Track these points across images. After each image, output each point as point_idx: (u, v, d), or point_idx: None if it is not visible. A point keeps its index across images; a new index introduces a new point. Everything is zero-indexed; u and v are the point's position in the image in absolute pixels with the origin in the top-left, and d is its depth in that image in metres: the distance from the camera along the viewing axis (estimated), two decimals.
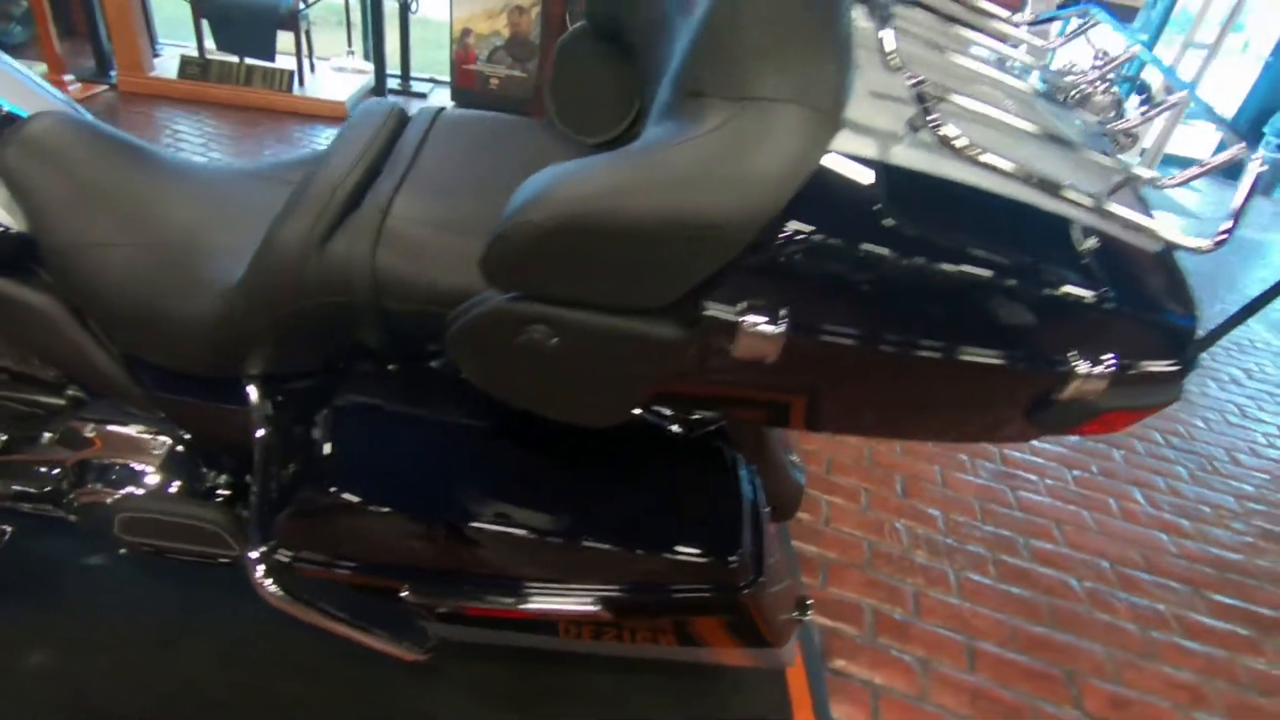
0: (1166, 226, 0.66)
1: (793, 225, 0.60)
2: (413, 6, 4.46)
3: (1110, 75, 0.96)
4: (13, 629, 1.28)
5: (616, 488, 0.89)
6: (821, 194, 0.62)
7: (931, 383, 0.70)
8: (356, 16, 4.60)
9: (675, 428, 0.98)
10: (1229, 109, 6.53)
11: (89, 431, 1.07)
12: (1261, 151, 0.65)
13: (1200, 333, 0.73)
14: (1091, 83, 0.94)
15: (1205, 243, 0.65)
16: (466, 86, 4.46)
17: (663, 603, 0.89)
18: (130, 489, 1.07)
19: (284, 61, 3.88)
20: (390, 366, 0.92)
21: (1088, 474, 2.24)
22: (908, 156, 0.65)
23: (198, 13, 3.72)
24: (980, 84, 0.84)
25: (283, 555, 0.86)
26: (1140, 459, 2.36)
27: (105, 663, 1.25)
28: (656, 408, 0.96)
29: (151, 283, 0.90)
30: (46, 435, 1.08)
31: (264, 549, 0.86)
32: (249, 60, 3.82)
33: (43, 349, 1.00)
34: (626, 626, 1.01)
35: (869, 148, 0.65)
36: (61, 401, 1.09)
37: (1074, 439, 2.39)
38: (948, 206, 0.66)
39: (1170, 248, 0.69)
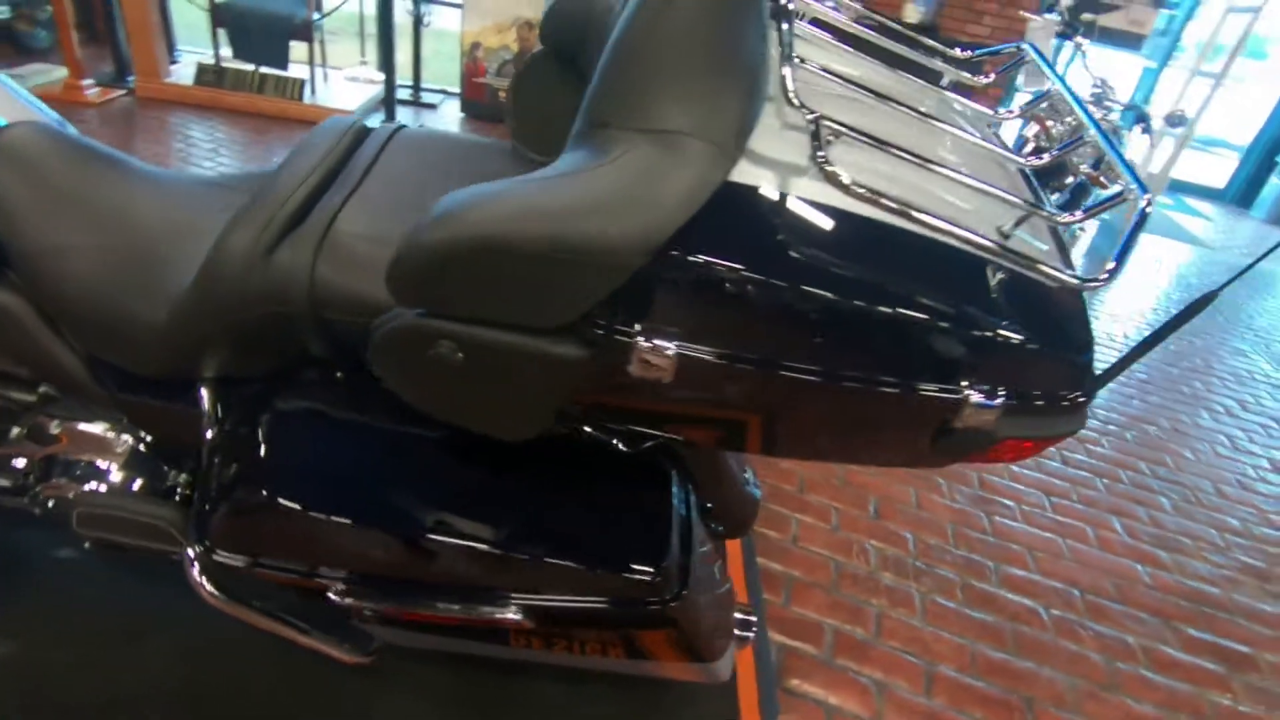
0: (1051, 263, 0.68)
1: (684, 252, 0.63)
2: (425, 19, 4.56)
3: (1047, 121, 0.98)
4: None
5: (546, 499, 0.92)
6: (715, 223, 0.64)
7: (827, 407, 0.72)
8: (372, 28, 4.70)
9: (616, 443, 1.01)
10: (1245, 138, 6.47)
11: (55, 428, 1.11)
12: (1149, 195, 0.67)
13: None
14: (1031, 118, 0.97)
15: (1095, 280, 0.67)
16: (475, 98, 4.54)
17: (587, 612, 0.91)
18: (91, 485, 1.10)
19: (298, 71, 3.98)
20: (338, 374, 0.96)
21: (1067, 502, 2.23)
22: (807, 189, 0.67)
23: (215, 21, 3.83)
24: (898, 120, 0.86)
25: (219, 555, 0.89)
26: (1123, 488, 2.35)
27: (68, 656, 1.29)
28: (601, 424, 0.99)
29: (112, 286, 0.95)
30: (15, 430, 1.12)
31: (200, 548, 0.89)
32: (263, 69, 3.91)
33: (12, 348, 1.05)
34: (575, 638, 1.03)
35: (769, 180, 0.68)
36: (33, 398, 1.14)
37: (1054, 465, 2.39)
38: (840, 237, 0.69)
39: (1061, 284, 0.71)
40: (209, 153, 3.39)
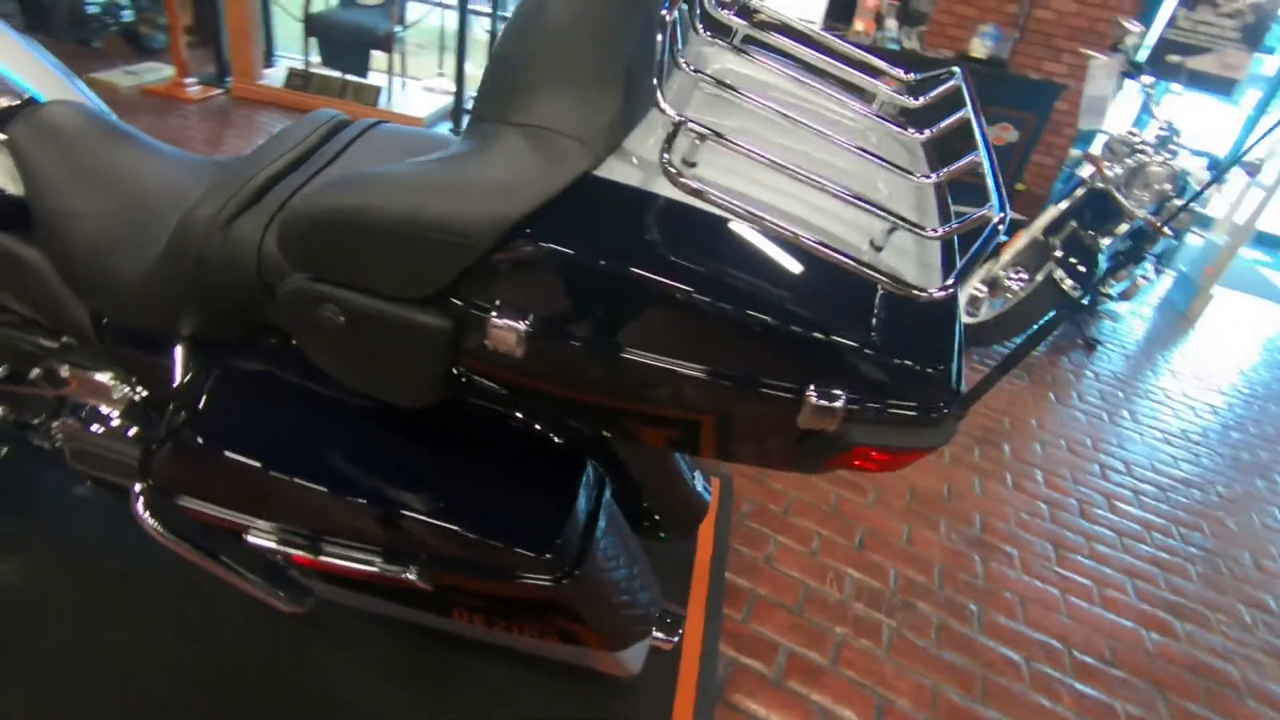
0: (896, 274, 0.69)
1: (537, 238, 0.68)
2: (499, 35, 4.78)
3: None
4: None
5: (460, 471, 0.97)
6: (573, 213, 0.69)
7: (672, 397, 0.75)
8: (452, 44, 4.98)
9: (551, 435, 1.06)
10: None
11: (66, 373, 1.26)
12: (1004, 214, 0.67)
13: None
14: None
15: (932, 291, 0.68)
16: None
17: (481, 582, 0.95)
18: (92, 426, 1.24)
19: (379, 79, 4.26)
20: (293, 341, 1.05)
21: (1078, 557, 2.12)
22: (670, 188, 0.71)
23: (308, 31, 4.16)
24: (792, 133, 0.89)
25: (159, 492, 0.99)
26: (1145, 550, 2.21)
27: (65, 587, 1.42)
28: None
29: (110, 249, 1.07)
30: (35, 371, 1.28)
31: (143, 484, 0.99)
32: (347, 76, 4.21)
33: (34, 298, 1.19)
34: (479, 609, 1.08)
35: (636, 177, 0.72)
36: (55, 345, 1.29)
37: (1071, 517, 2.27)
38: (694, 236, 0.72)
39: (917, 295, 0.71)
40: None
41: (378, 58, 4.24)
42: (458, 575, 0.95)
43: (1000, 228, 0.68)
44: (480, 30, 4.69)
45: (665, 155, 0.67)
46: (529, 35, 0.74)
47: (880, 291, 0.73)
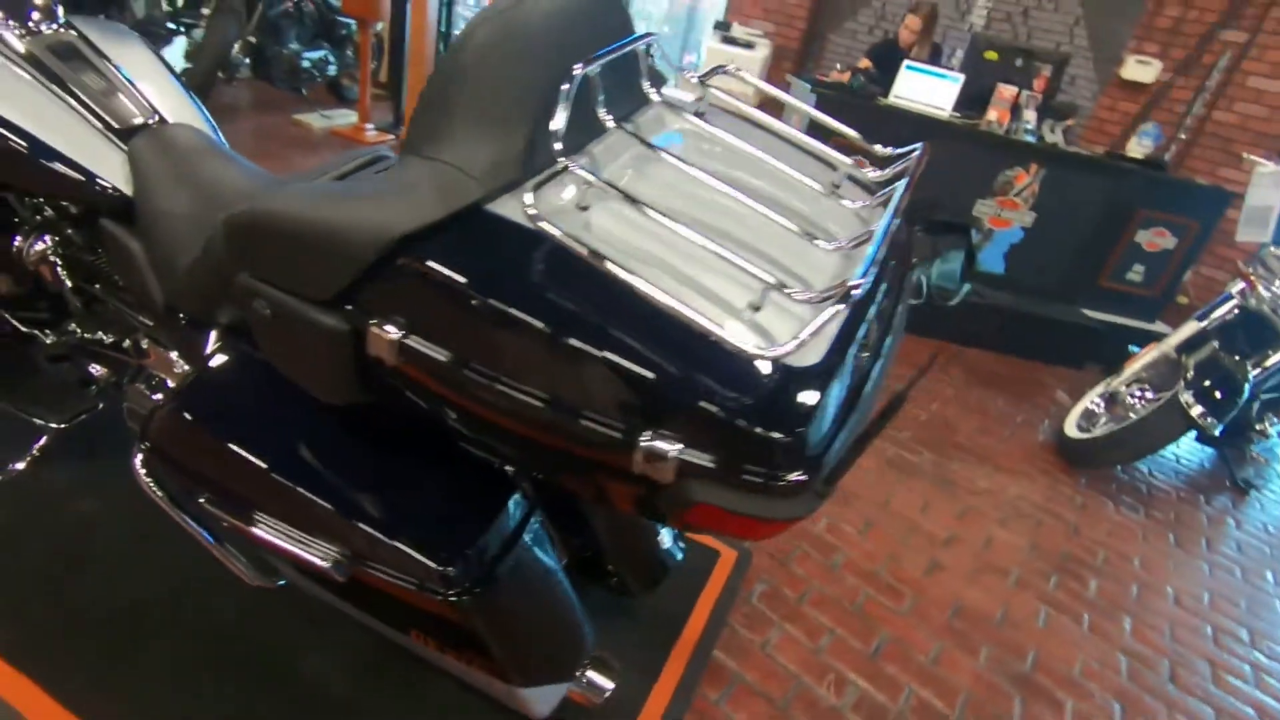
0: (734, 336, 0.68)
1: (415, 258, 0.75)
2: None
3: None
4: (80, 475, 1.74)
5: (395, 472, 1.03)
6: (452, 240, 0.75)
7: (524, 422, 0.76)
8: None
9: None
10: None
11: (147, 346, 1.49)
12: (860, 280, 0.64)
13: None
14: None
15: (764, 352, 0.66)
16: None
17: (390, 584, 0.99)
18: (154, 395, 1.45)
19: None
20: None
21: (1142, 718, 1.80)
22: (551, 228, 0.75)
23: None
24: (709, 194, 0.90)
25: (148, 451, 1.13)
26: None
27: (138, 532, 1.63)
28: None
29: (181, 245, 1.28)
30: (127, 341, 1.52)
31: (143, 443, 1.14)
32: None
33: (134, 279, 1.44)
34: (424, 633, 1.11)
35: (522, 214, 0.76)
36: (151, 322, 1.53)
37: (1157, 678, 1.93)
38: (563, 274, 0.74)
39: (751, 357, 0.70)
40: None
41: None
42: (371, 574, 1.00)
43: (854, 293, 0.65)
44: None
45: (531, 195, 0.72)
46: (448, 77, 0.83)
47: (740, 351, 0.71)
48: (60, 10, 1.46)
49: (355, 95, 5.15)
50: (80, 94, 1.38)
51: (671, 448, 0.70)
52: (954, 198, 3.68)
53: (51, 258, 1.48)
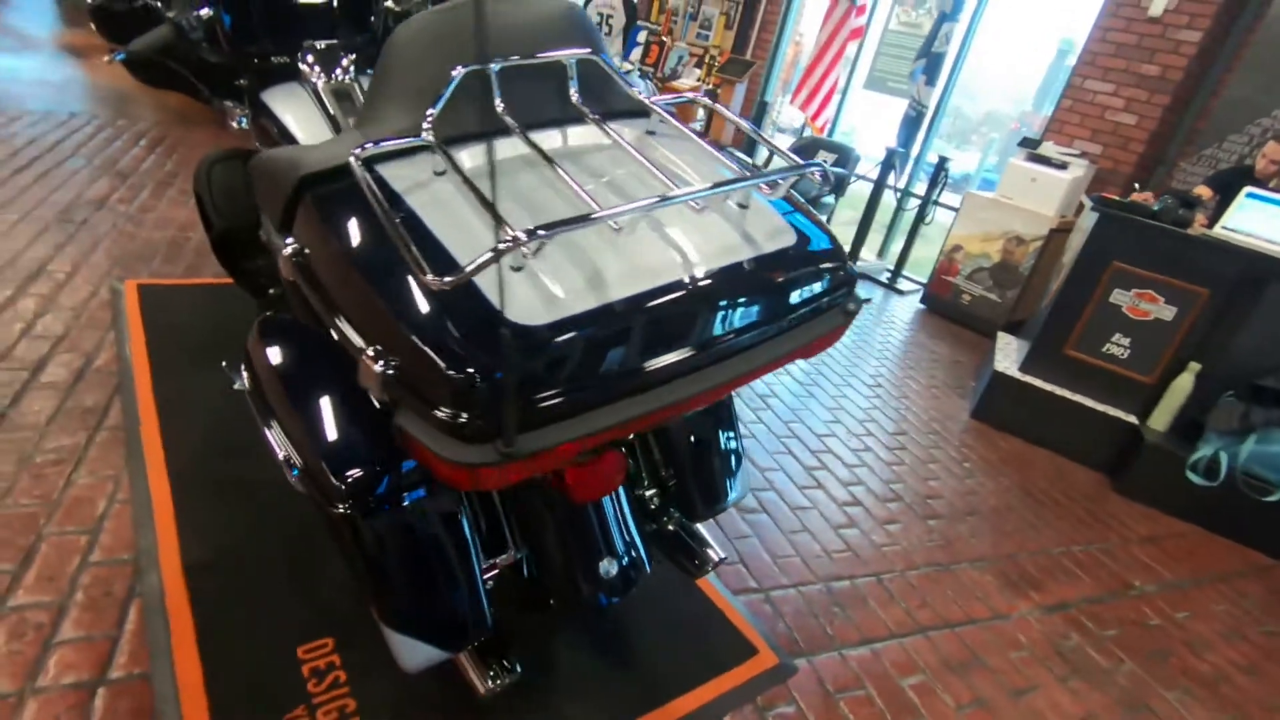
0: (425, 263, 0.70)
1: (305, 193, 0.92)
2: (929, 218, 4.88)
3: None
4: None
5: (351, 413, 1.17)
6: (333, 185, 0.91)
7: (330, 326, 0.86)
8: (881, 217, 5.27)
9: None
10: None
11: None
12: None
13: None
14: None
15: (433, 280, 0.67)
16: (938, 293, 4.60)
17: (315, 495, 1.13)
18: None
19: None
20: None
21: None
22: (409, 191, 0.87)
23: None
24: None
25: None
26: None
27: None
28: None
29: None
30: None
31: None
32: None
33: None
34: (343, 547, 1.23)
35: (400, 176, 0.89)
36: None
37: None
38: (357, 215, 0.84)
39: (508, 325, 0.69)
40: None
41: None
42: (308, 485, 1.16)
43: (521, 245, 0.65)
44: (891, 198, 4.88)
45: (356, 152, 0.86)
46: (380, 67, 1.01)
47: (471, 295, 0.74)
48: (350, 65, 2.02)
49: None
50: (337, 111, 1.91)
51: (379, 361, 0.74)
52: None
53: None
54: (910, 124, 4.77)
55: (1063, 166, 4.21)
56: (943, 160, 4.74)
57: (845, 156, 4.94)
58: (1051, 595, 2.19)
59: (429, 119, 0.91)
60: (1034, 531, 2.51)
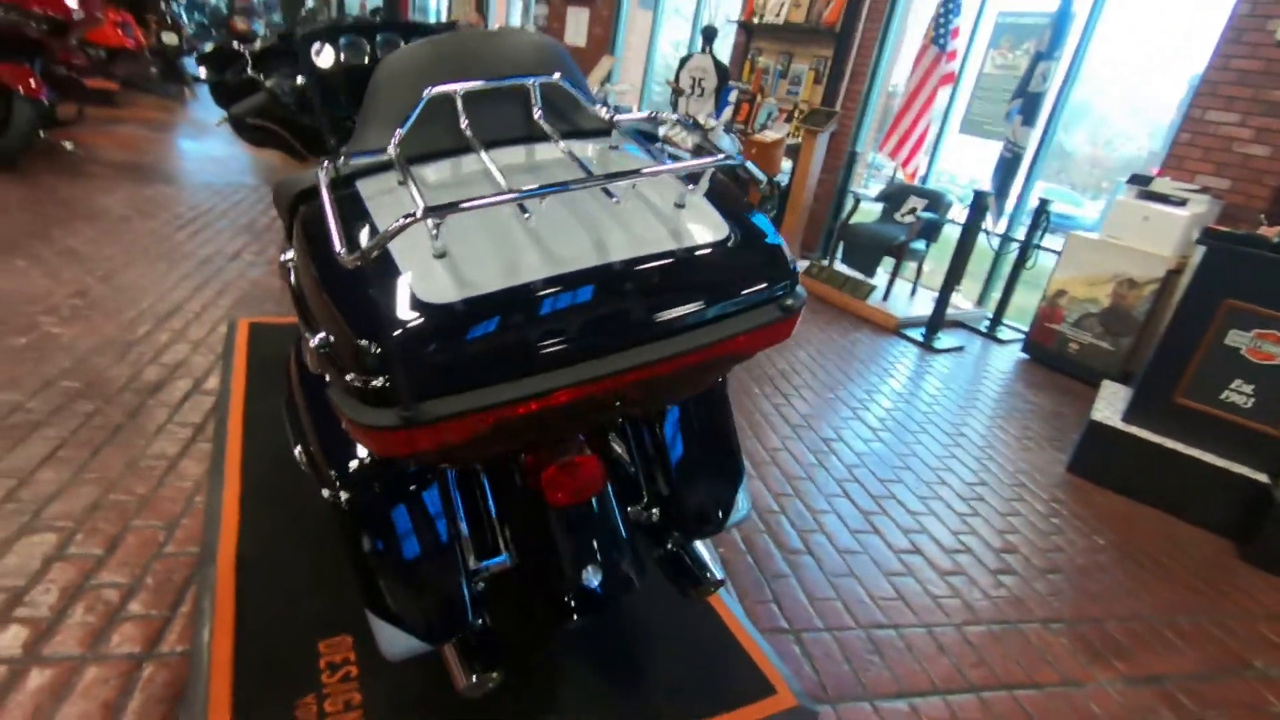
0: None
1: (300, 209, 1.05)
2: (1030, 261, 4.60)
3: None
4: None
5: None
6: (309, 200, 1.05)
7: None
8: (978, 265, 5.02)
9: None
10: None
11: None
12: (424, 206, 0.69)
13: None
14: None
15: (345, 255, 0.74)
16: (1041, 342, 4.30)
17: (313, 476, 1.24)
18: None
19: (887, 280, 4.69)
20: None
21: None
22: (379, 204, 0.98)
23: (837, 235, 4.96)
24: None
25: None
26: None
27: None
28: None
29: None
30: None
31: None
32: (849, 270, 4.80)
33: None
34: None
35: (371, 188, 1.00)
36: None
37: None
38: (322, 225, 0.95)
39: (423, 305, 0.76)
40: None
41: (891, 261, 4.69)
42: (309, 462, 1.27)
43: (429, 215, 0.72)
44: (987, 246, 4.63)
45: (327, 164, 0.97)
46: (368, 93, 1.14)
47: (388, 274, 0.82)
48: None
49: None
50: None
51: (316, 338, 0.83)
52: None
53: None
54: (1006, 166, 4.57)
55: (1181, 203, 3.87)
56: (1044, 202, 4.49)
57: (937, 201, 4.79)
58: (1141, 666, 1.93)
59: (397, 137, 1.02)
60: (1129, 596, 2.23)
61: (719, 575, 1.41)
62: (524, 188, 0.86)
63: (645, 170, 0.94)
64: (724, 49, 6.62)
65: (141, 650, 1.44)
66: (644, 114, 1.23)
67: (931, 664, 1.80)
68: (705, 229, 1.01)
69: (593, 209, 0.99)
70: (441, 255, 0.88)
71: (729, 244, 1.00)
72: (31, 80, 4.13)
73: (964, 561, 2.25)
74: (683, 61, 6.44)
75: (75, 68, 4.78)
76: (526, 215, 0.94)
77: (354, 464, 1.16)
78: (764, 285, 1.02)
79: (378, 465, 1.17)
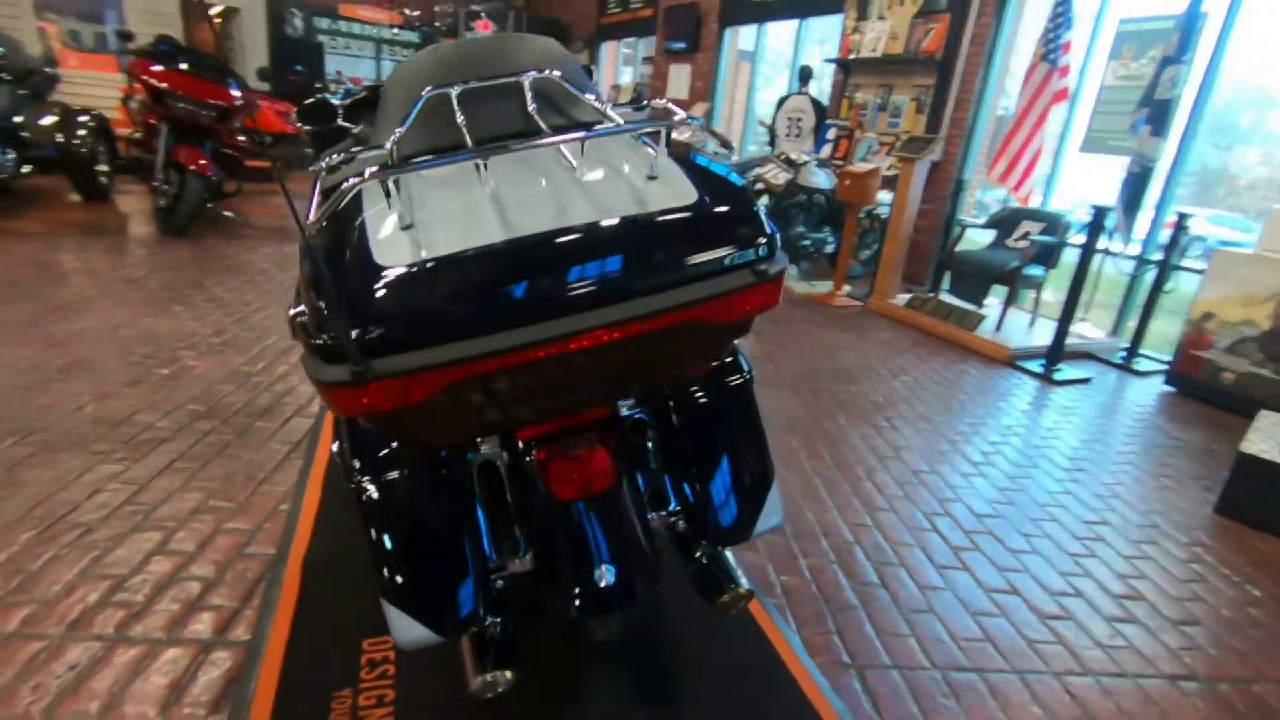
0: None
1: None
2: (1169, 285, 4.14)
3: None
4: None
5: None
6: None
7: None
8: (1108, 288, 4.56)
9: None
10: None
11: None
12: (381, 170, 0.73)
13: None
14: None
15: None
16: (1186, 373, 3.81)
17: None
18: None
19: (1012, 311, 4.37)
20: None
21: None
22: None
23: (944, 264, 4.69)
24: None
25: None
26: None
27: None
28: None
29: None
30: None
31: None
32: (955, 301, 4.51)
33: None
34: None
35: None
36: None
37: None
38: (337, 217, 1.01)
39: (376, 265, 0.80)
40: (884, 346, 4.24)
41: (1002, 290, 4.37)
42: (341, 460, 1.33)
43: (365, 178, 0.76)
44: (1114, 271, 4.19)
45: (324, 160, 1.03)
46: (382, 95, 1.21)
47: (350, 241, 0.88)
48: None
49: (855, 272, 5.74)
50: None
51: (296, 306, 0.89)
52: None
53: None
54: (1135, 182, 4.16)
55: None
56: (1182, 217, 4.04)
57: (1054, 224, 4.43)
58: None
59: (396, 135, 1.10)
60: None
61: (747, 586, 1.33)
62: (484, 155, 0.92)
63: (598, 129, 0.95)
64: (823, 89, 6.60)
65: (211, 636, 1.55)
66: (645, 107, 1.25)
67: (1018, 713, 1.58)
68: (673, 194, 0.99)
69: (562, 180, 1.01)
70: (408, 227, 0.92)
71: (698, 209, 0.98)
72: (202, 160, 4.83)
73: (1072, 605, 1.98)
74: (780, 103, 6.48)
75: (238, 149, 5.54)
76: (485, 179, 0.97)
77: (375, 454, 1.22)
78: (732, 249, 0.99)
79: (397, 455, 1.22)
